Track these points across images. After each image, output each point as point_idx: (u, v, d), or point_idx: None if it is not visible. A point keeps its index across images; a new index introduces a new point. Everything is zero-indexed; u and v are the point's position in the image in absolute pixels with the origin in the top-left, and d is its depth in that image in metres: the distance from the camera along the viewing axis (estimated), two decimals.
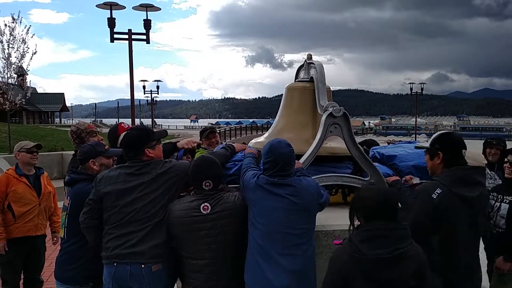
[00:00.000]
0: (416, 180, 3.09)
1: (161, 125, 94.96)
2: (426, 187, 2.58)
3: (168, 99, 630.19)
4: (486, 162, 3.12)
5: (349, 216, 2.18)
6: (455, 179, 2.50)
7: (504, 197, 3.33)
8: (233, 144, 3.39)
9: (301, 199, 2.53)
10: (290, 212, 2.50)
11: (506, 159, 3.32)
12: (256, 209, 2.56)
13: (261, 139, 3.82)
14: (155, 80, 41.13)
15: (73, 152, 3.84)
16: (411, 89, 43.96)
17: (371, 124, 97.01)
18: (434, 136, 2.76)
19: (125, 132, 3.04)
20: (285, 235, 2.48)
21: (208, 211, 2.56)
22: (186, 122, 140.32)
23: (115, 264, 2.64)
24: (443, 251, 2.45)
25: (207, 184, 2.61)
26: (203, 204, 2.57)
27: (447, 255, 2.45)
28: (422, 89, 44.07)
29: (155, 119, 55.54)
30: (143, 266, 2.60)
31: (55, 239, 4.54)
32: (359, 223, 2.14)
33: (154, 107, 45.05)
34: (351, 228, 2.16)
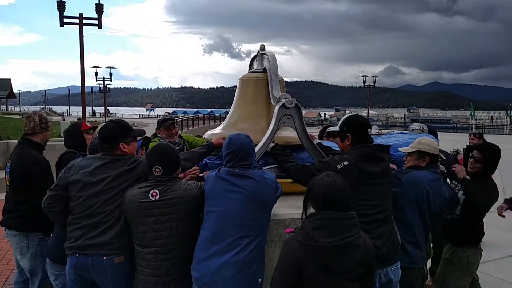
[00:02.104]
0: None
1: (115, 113, 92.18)
2: (335, 159, 2.79)
3: (122, 87, 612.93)
4: (439, 148, 3.25)
5: (303, 204, 2.23)
6: (359, 155, 2.73)
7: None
8: (211, 140, 3.33)
9: (260, 192, 2.52)
10: (247, 205, 2.48)
11: (470, 154, 3.52)
12: (214, 199, 2.54)
13: (217, 130, 3.81)
14: (108, 67, 39.92)
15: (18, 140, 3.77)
16: (364, 81, 45.29)
17: (326, 115, 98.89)
18: (341, 119, 2.98)
19: (103, 124, 3.06)
20: (239, 226, 2.46)
21: (156, 198, 2.52)
22: (142, 110, 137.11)
23: (77, 255, 2.63)
24: None
25: (156, 170, 2.58)
26: (152, 191, 2.54)
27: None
28: (374, 82, 45.54)
29: (108, 107, 53.92)
30: (104, 258, 2.59)
31: None
32: (313, 211, 2.19)
33: (107, 95, 43.79)
34: (304, 216, 2.20)
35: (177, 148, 3.44)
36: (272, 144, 3.24)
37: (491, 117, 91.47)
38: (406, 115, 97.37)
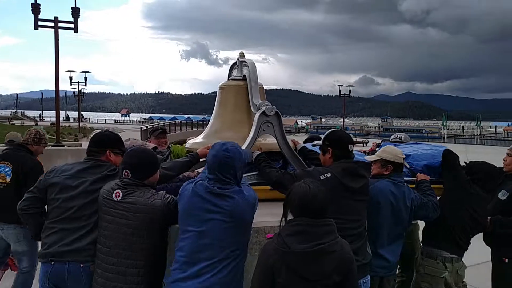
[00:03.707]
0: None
1: (89, 118, 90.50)
2: (318, 170, 2.84)
3: (97, 92, 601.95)
4: (403, 157, 3.31)
5: (283, 211, 2.25)
6: (342, 170, 2.78)
7: None
8: (196, 151, 3.25)
9: (241, 212, 2.38)
10: (227, 226, 2.35)
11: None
12: (190, 218, 2.39)
13: (198, 139, 3.77)
14: (83, 71, 39.12)
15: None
16: (340, 91, 45.96)
17: (303, 123, 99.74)
18: (325, 134, 3.06)
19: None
20: (219, 248, 2.33)
21: (118, 199, 2.47)
22: (117, 116, 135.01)
23: (52, 262, 2.57)
24: None
25: (125, 173, 2.54)
26: (116, 191, 2.50)
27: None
28: (350, 91, 46.27)
29: (82, 112, 52.95)
30: (81, 265, 2.54)
31: None
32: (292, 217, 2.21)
33: (82, 100, 43.01)
34: (282, 222, 2.22)
35: (160, 157, 3.44)
36: (257, 152, 3.24)
37: (462, 127, 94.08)
38: (380, 124, 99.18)
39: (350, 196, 2.79)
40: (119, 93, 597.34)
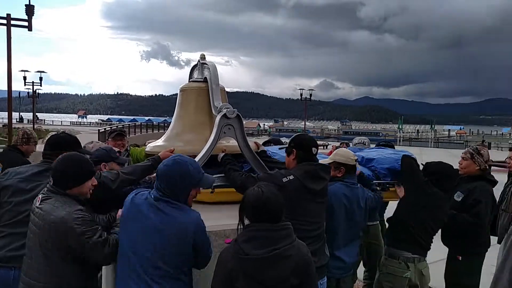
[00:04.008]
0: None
1: (44, 120, 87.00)
2: (281, 172, 2.89)
3: (53, 92, 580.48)
4: (355, 158, 3.39)
5: (239, 216, 2.22)
6: (304, 172, 2.84)
7: None
8: (157, 154, 3.14)
9: (173, 231, 2.22)
10: (157, 240, 2.21)
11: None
12: (125, 231, 2.30)
13: (159, 142, 3.69)
14: (38, 71, 37.59)
15: None
16: (301, 94, 46.72)
17: (265, 126, 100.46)
18: (292, 137, 3.14)
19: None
20: (149, 268, 2.20)
21: (36, 204, 2.34)
22: (73, 117, 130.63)
23: None
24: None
25: (50, 179, 2.41)
26: (40, 195, 2.37)
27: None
28: (310, 95, 47.11)
29: (37, 113, 50.88)
30: None
31: None
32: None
33: (37, 100, 41.36)
34: (240, 227, 2.20)
35: (125, 159, 3.41)
36: (222, 154, 3.23)
37: (417, 130, 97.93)
38: (339, 127, 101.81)
39: (311, 198, 2.84)
40: (76, 94, 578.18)
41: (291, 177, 2.80)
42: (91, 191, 2.47)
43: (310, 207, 2.84)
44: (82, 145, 3.15)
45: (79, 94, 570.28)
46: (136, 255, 2.23)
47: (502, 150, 45.45)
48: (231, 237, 2.69)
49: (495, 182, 3.84)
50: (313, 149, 2.98)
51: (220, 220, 2.90)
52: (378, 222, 4.42)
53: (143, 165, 3.02)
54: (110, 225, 2.63)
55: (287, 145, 3.13)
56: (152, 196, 2.31)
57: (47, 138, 2.98)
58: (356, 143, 4.83)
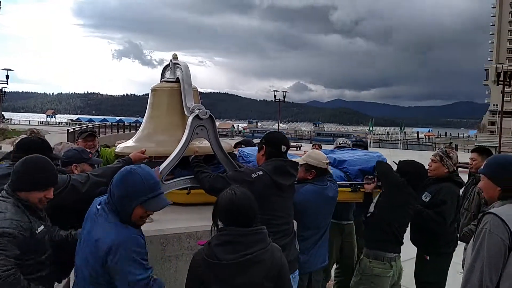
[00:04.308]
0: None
1: (11, 119, 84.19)
2: (250, 169, 2.98)
3: (20, 91, 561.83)
4: (327, 162, 3.44)
5: (212, 219, 2.19)
6: (273, 167, 2.90)
7: None
8: (129, 156, 3.09)
9: (88, 248, 2.10)
10: (87, 254, 2.11)
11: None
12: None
13: (129, 143, 3.61)
14: (4, 69, 36.38)
15: None
16: (275, 96, 46.96)
17: (240, 127, 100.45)
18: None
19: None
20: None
21: None
22: (42, 117, 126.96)
23: None
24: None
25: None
26: None
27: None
28: (284, 96, 47.48)
29: (3, 113, 49.22)
30: None
31: None
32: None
33: (3, 99, 40.01)
34: (213, 229, 2.17)
35: (99, 160, 3.42)
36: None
37: (387, 132, 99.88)
38: (312, 129, 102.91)
39: (280, 194, 2.90)
40: (44, 93, 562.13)
41: (260, 172, 2.86)
42: (44, 202, 2.36)
43: (279, 202, 2.90)
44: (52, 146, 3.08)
45: (48, 93, 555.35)
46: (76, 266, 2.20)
47: (468, 152, 46.96)
48: (203, 239, 2.67)
49: (461, 184, 3.96)
50: (283, 146, 3.02)
51: (194, 221, 2.88)
52: (352, 221, 4.49)
53: (113, 167, 2.95)
54: (67, 244, 2.56)
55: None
56: (101, 205, 2.17)
57: (17, 141, 2.90)
58: (341, 143, 4.90)
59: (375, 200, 3.67)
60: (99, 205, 2.19)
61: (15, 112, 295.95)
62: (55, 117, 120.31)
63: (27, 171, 2.30)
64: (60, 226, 2.70)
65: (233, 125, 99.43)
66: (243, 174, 2.88)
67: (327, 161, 3.44)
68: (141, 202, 2.10)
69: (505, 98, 33.41)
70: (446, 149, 4.04)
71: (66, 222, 2.75)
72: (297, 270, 3.05)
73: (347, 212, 4.36)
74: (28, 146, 2.70)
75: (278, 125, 58.45)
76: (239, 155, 3.84)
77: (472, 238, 2.35)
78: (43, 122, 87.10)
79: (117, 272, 2.00)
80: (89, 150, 3.95)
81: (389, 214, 3.52)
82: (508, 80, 30.09)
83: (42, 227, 2.38)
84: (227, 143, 3.68)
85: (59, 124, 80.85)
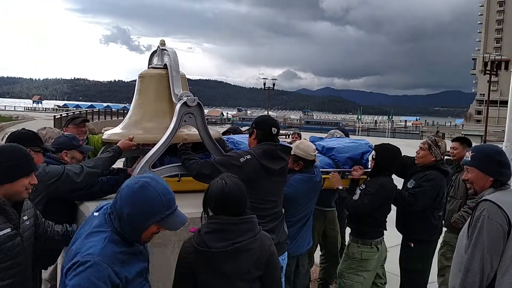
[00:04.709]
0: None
1: None
2: (238, 153, 2.97)
3: (5, 76, 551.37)
4: (315, 154, 3.47)
5: (203, 207, 2.18)
6: (263, 151, 2.91)
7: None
8: (117, 144, 3.08)
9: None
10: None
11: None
12: None
13: (117, 130, 3.57)
14: None
15: None
16: (264, 84, 46.80)
17: (229, 115, 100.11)
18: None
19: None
20: None
21: None
22: (28, 103, 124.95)
23: None
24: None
25: None
26: None
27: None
28: (274, 84, 47.40)
29: None
30: None
31: None
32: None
33: None
34: (204, 216, 2.16)
35: (89, 148, 3.42)
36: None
37: (375, 121, 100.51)
38: (301, 117, 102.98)
39: (268, 177, 2.91)
40: (30, 78, 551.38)
41: (249, 156, 2.87)
42: (29, 189, 2.22)
43: (267, 186, 2.91)
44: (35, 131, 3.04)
45: (34, 79, 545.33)
46: None
47: None
48: (192, 226, 2.67)
49: (447, 172, 4.01)
50: (273, 129, 3.03)
51: (185, 208, 2.87)
52: (334, 208, 4.58)
53: (104, 157, 2.98)
54: (63, 238, 2.52)
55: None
56: (104, 213, 1.92)
57: (7, 136, 2.89)
58: (334, 133, 4.96)
59: (360, 188, 3.73)
60: (97, 210, 1.98)
61: (0, 97, 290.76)
62: (41, 103, 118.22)
63: (9, 159, 2.13)
64: (51, 220, 2.65)
65: (222, 113, 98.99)
66: (231, 158, 2.89)
67: (315, 153, 3.47)
68: (158, 221, 1.86)
69: (491, 87, 33.82)
70: (435, 138, 4.07)
71: (56, 215, 2.72)
72: (286, 252, 3.11)
73: (329, 199, 4.44)
74: (19, 139, 2.67)
75: (268, 113, 58.32)
76: (229, 141, 3.84)
77: (467, 226, 2.38)
78: (29, 108, 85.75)
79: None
80: (80, 137, 3.92)
81: (375, 209, 3.61)
82: (495, 69, 30.42)
83: (7, 230, 2.12)
84: (216, 131, 3.67)
85: (45, 110, 79.70)
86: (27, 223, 2.30)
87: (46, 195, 2.67)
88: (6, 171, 2.12)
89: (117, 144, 3.07)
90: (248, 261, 2.06)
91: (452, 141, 4.60)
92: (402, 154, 3.88)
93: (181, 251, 2.13)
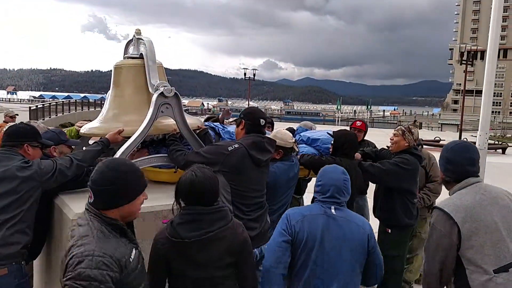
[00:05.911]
0: None
1: None
2: (227, 142, 3.04)
3: None
4: (292, 141, 3.50)
5: (175, 198, 2.21)
6: (252, 142, 2.96)
7: None
8: (106, 137, 3.05)
9: None
10: None
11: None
12: None
13: (95, 124, 3.47)
14: None
15: None
16: (245, 74, 46.54)
17: (209, 105, 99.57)
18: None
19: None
20: None
21: None
22: (2, 94, 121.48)
23: None
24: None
25: None
26: None
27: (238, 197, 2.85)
28: (254, 74, 47.19)
29: None
30: None
31: None
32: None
33: None
34: (176, 207, 2.19)
35: (78, 142, 3.42)
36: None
37: (355, 111, 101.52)
38: (282, 107, 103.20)
39: (256, 168, 2.96)
40: (4, 69, 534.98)
41: (237, 145, 2.91)
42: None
43: (254, 175, 2.96)
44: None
45: (8, 69, 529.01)
46: None
47: (432, 129, 48.56)
48: (168, 218, 2.67)
49: (420, 156, 4.08)
50: (261, 120, 3.09)
51: (157, 200, 2.86)
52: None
53: (93, 150, 2.96)
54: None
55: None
56: None
57: (5, 129, 2.86)
58: (307, 124, 5.05)
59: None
60: None
61: None
62: (16, 93, 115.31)
63: (126, 178, 1.87)
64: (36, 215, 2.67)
65: (202, 103, 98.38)
66: (219, 147, 2.93)
67: (293, 140, 3.50)
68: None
69: (467, 77, 34.58)
70: (409, 125, 4.16)
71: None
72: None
73: (302, 187, 4.68)
74: (18, 134, 2.69)
75: (248, 103, 58.04)
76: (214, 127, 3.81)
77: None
78: (4, 99, 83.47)
79: None
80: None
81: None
82: (471, 60, 30.97)
83: (134, 252, 1.92)
84: (196, 119, 3.64)
85: (20, 101, 77.73)
86: None
87: (40, 192, 2.64)
88: (126, 191, 1.87)
89: (106, 137, 3.05)
90: (220, 248, 2.12)
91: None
92: (383, 146, 3.97)
93: (154, 243, 2.17)
